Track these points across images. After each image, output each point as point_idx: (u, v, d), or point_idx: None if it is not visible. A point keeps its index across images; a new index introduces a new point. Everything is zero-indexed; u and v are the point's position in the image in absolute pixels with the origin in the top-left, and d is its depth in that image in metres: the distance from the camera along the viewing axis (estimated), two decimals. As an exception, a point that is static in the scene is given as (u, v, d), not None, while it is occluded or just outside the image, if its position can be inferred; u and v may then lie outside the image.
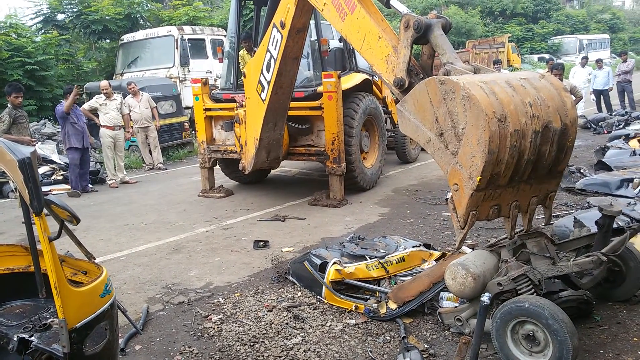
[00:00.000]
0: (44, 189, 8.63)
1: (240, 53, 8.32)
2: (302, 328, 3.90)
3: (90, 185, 9.65)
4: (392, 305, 3.95)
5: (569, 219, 5.04)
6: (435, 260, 4.55)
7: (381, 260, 4.46)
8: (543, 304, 3.03)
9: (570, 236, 3.95)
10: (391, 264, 4.47)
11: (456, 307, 3.88)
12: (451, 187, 3.18)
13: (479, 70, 3.66)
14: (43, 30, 17.91)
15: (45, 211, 2.26)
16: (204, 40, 15.46)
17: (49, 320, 2.58)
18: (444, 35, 3.82)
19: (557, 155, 3.25)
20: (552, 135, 3.15)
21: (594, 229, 3.80)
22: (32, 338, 2.46)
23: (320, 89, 7.34)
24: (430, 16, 3.91)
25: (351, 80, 8.08)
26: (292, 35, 5.86)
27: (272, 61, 6.17)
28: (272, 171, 9.44)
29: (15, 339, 2.49)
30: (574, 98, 8.67)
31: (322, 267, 4.37)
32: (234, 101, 7.80)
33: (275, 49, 6.08)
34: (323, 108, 7.26)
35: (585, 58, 14.98)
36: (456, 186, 3.13)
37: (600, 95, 14.65)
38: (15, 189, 8.39)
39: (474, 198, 3.05)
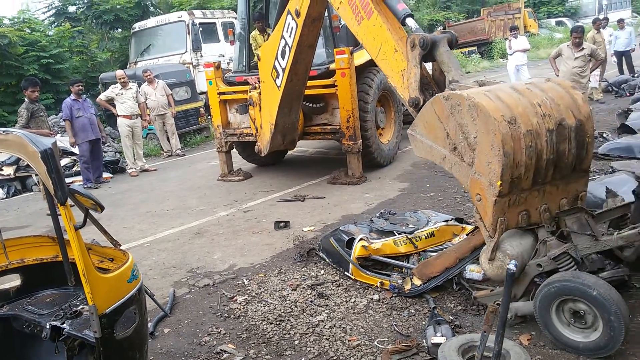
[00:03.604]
0: (66, 180, 8.77)
1: (252, 34, 8.26)
2: (327, 305, 3.94)
3: (103, 176, 9.65)
4: (417, 282, 3.93)
5: (592, 184, 4.95)
6: (466, 235, 4.44)
7: (409, 236, 4.42)
8: (590, 282, 2.90)
9: (604, 207, 3.79)
10: (420, 239, 4.42)
11: (480, 279, 3.86)
12: (474, 199, 3.15)
13: (484, 84, 3.65)
14: (56, 23, 18.03)
15: (69, 201, 2.29)
16: (214, 23, 15.39)
17: (79, 308, 2.64)
18: (449, 51, 3.85)
19: (577, 152, 3.20)
20: (568, 132, 3.12)
21: (628, 199, 3.67)
22: (64, 325, 2.52)
23: (332, 66, 7.27)
24: (437, 33, 3.95)
25: (364, 55, 7.91)
26: (307, 24, 5.75)
27: (287, 48, 6.09)
28: (290, 152, 9.43)
29: (47, 327, 2.56)
30: (595, 61, 8.43)
31: (350, 243, 4.38)
32: (247, 83, 7.77)
33: (290, 37, 5.99)
34: (336, 85, 7.19)
35: (606, 19, 14.47)
36: (479, 196, 3.11)
37: (622, 56, 14.19)
38: (39, 181, 8.55)
39: (498, 205, 3.01)
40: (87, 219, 2.45)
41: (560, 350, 3.07)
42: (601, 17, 14.06)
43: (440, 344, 3.03)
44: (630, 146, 6.75)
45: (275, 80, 6.46)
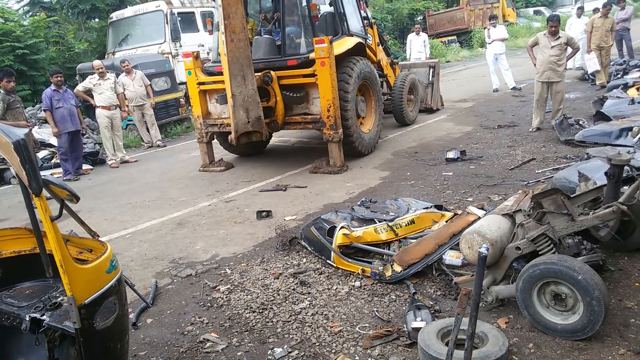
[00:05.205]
0: (45, 172, 8.63)
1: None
2: (309, 293, 3.97)
3: (82, 168, 9.53)
4: (397, 268, 3.98)
5: (568, 170, 5.05)
6: (446, 222, 4.53)
7: (390, 224, 4.47)
8: (576, 266, 2.96)
9: (577, 191, 3.87)
10: (400, 227, 4.48)
11: (459, 265, 3.93)
12: None
13: None
14: (30, 13, 17.61)
15: (46, 193, 2.27)
16: (193, 13, 15.18)
17: (59, 299, 2.62)
18: None
19: None
20: None
21: (600, 182, 3.74)
22: (44, 317, 2.50)
23: (312, 55, 7.25)
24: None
25: (344, 44, 7.95)
26: None
27: (221, 10, 6.33)
28: (271, 141, 9.43)
29: (27, 319, 2.54)
30: (571, 50, 8.53)
31: (331, 232, 4.41)
32: (227, 73, 7.70)
33: None
34: (316, 75, 7.18)
35: (581, 8, 14.68)
36: None
37: (598, 45, 14.38)
38: (16, 174, 8.40)
39: None
40: (64, 210, 2.43)
41: (537, 333, 3.14)
42: (577, 5, 14.20)
43: (420, 328, 3.09)
44: (605, 132, 6.90)
45: (224, 52, 6.60)
